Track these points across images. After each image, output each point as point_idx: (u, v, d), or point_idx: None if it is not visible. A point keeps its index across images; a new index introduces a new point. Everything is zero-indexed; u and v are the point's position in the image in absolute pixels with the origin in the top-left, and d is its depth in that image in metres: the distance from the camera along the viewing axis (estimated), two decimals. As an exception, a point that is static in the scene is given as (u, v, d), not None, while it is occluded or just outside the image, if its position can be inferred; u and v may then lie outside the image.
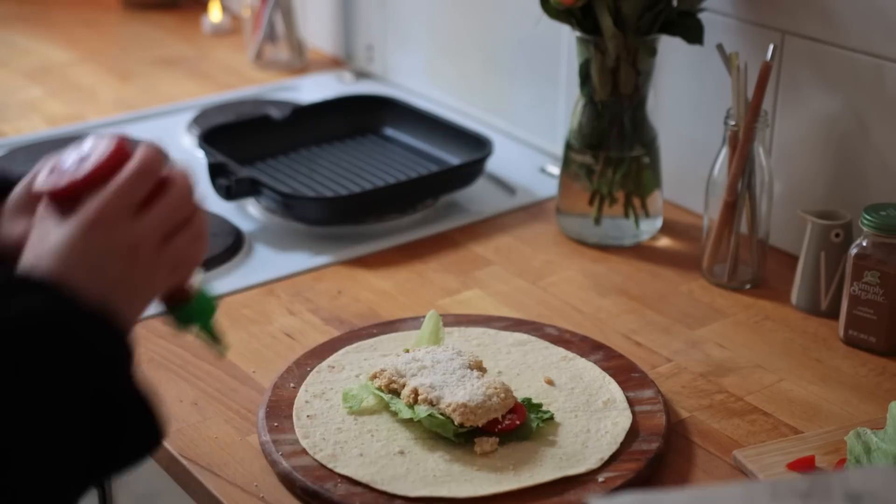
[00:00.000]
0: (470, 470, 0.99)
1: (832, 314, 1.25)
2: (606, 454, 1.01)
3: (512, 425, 1.02)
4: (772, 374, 1.17)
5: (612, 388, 1.10)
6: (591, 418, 1.06)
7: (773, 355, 1.21)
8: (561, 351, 1.16)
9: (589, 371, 1.13)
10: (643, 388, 1.11)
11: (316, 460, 1.00)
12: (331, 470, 0.99)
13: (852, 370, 1.18)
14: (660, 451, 1.03)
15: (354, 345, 1.17)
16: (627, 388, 1.11)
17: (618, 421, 1.05)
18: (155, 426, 0.76)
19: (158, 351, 1.20)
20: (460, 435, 1.01)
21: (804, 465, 1.00)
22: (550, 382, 1.11)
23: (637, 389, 1.11)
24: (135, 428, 0.75)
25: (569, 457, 1.00)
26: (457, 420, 1.01)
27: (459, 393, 1.02)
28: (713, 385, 1.15)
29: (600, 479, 0.98)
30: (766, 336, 1.24)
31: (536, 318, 1.25)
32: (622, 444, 1.02)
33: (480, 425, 1.01)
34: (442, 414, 1.02)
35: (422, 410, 1.02)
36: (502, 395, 1.03)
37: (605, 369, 1.14)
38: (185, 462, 1.04)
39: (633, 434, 1.04)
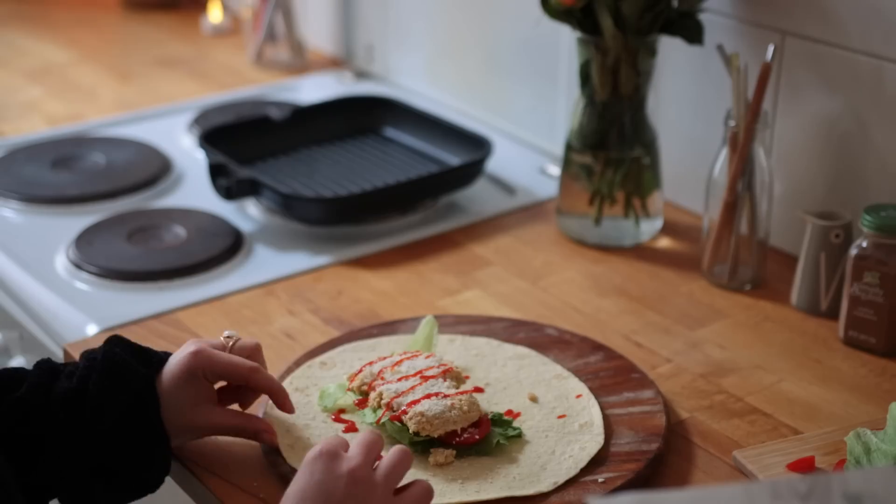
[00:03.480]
0: (421, 478, 0.95)
1: (832, 315, 1.25)
2: (562, 479, 0.98)
3: (471, 439, 1.01)
4: (772, 374, 1.17)
5: (594, 412, 1.07)
6: (560, 440, 1.03)
7: (773, 356, 1.21)
8: (557, 369, 1.14)
9: (577, 391, 1.10)
10: (643, 389, 1.11)
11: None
12: None
13: (852, 371, 1.18)
14: (660, 452, 1.03)
15: (353, 344, 1.17)
16: (627, 388, 1.11)
17: (586, 446, 1.02)
18: None
19: (158, 351, 1.20)
20: (416, 443, 1.01)
21: (804, 466, 1.00)
22: (534, 399, 1.09)
23: (637, 390, 1.10)
24: None
25: (522, 477, 0.99)
26: (412, 428, 1.00)
27: (421, 402, 1.02)
28: (713, 386, 1.15)
29: (600, 479, 0.98)
30: (766, 337, 1.24)
31: (536, 319, 1.25)
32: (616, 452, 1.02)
33: (436, 436, 1.00)
34: (401, 421, 1.01)
35: (384, 416, 1.02)
36: (465, 407, 1.01)
37: (605, 370, 1.14)
38: (185, 462, 1.04)
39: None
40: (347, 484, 0.86)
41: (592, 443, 1.03)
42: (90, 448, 0.96)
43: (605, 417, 1.06)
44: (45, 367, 0.99)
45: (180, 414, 0.99)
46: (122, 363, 0.98)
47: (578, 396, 1.09)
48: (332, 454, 0.87)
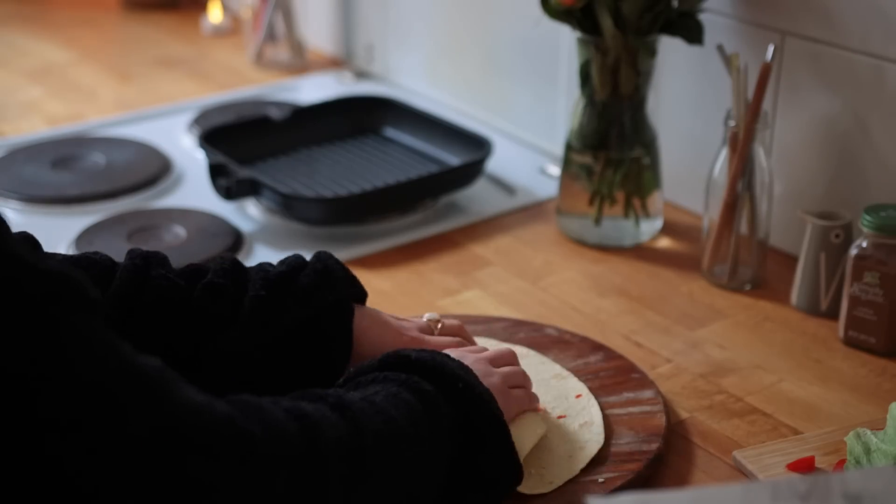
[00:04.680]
0: None
1: (832, 315, 1.25)
2: (561, 480, 0.97)
3: None
4: (772, 374, 1.17)
5: (594, 412, 1.06)
6: (560, 440, 1.02)
7: (772, 356, 1.21)
8: (556, 368, 1.13)
9: (577, 391, 1.10)
10: (643, 389, 1.11)
11: None
12: None
13: (852, 371, 1.18)
14: (660, 452, 1.03)
15: None
16: (627, 388, 1.11)
17: (585, 446, 1.01)
18: (515, 467, 0.91)
19: (158, 351, 1.20)
20: None
21: (804, 466, 1.00)
22: None
23: (637, 390, 1.10)
24: (495, 463, 0.90)
25: (525, 477, 0.96)
26: None
27: None
28: (713, 386, 1.15)
29: (600, 479, 0.98)
30: (766, 337, 1.24)
31: (536, 319, 1.25)
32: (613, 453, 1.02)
33: None
34: None
35: None
36: None
37: (605, 370, 1.14)
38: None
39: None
40: (472, 360, 0.97)
41: (592, 443, 1.02)
42: (282, 327, 0.97)
43: (605, 417, 1.06)
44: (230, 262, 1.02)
45: (359, 353, 1.00)
46: (337, 271, 1.03)
47: (578, 396, 1.09)
48: (465, 351, 1.01)
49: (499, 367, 1.02)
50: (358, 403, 0.82)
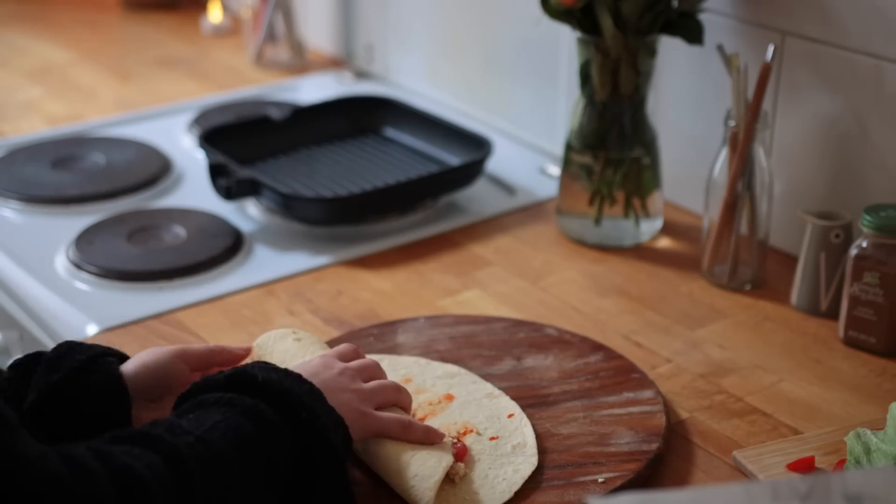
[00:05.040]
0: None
1: (832, 315, 1.25)
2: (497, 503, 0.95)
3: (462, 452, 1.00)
4: (772, 374, 1.17)
5: (527, 432, 1.03)
6: (493, 463, 0.99)
7: (772, 356, 1.21)
8: (487, 387, 1.10)
9: (509, 410, 1.06)
10: (643, 389, 1.11)
11: None
12: None
13: (852, 371, 1.18)
14: (660, 452, 1.03)
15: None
16: (627, 388, 1.11)
17: (519, 468, 0.98)
18: (348, 501, 0.89)
19: (158, 351, 1.20)
20: None
21: (804, 466, 1.00)
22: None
23: (637, 390, 1.10)
24: (329, 495, 0.88)
25: (459, 502, 0.95)
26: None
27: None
28: (713, 386, 1.15)
29: (600, 479, 0.98)
30: (766, 337, 1.24)
31: (536, 319, 1.25)
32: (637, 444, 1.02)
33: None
34: None
35: None
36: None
37: (605, 370, 1.14)
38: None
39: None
40: (337, 372, 0.97)
41: (526, 464, 0.99)
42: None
43: (538, 436, 1.03)
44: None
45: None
46: (83, 347, 0.97)
47: (510, 416, 1.06)
48: (334, 357, 1.00)
49: (366, 379, 0.99)
50: (194, 449, 0.80)
